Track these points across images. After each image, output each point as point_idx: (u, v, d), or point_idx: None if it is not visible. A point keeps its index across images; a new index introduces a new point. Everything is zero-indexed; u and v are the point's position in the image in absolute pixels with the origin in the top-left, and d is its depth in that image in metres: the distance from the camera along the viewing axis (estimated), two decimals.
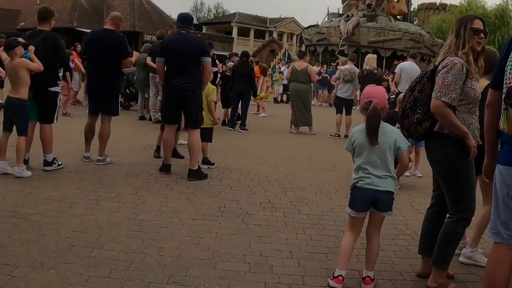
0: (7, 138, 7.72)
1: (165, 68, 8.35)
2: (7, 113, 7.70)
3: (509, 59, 3.36)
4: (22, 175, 7.41)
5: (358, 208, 4.41)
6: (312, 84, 16.34)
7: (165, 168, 8.48)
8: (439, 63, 4.40)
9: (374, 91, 4.54)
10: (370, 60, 14.80)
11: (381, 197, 4.37)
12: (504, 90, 3.34)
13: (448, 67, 4.23)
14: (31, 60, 7.57)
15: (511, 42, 3.49)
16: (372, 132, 4.37)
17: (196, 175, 8.17)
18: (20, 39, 7.79)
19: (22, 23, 40.70)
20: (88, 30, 34.06)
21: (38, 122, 8.10)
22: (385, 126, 4.43)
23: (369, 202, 4.38)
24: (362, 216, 4.46)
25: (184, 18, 8.63)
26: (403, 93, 5.18)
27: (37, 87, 7.78)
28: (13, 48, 7.54)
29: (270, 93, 23.92)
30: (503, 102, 3.37)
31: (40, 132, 8.08)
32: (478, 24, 4.38)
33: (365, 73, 14.38)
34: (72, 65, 17.52)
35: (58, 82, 8.39)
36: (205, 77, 8.32)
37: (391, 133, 4.44)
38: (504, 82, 3.36)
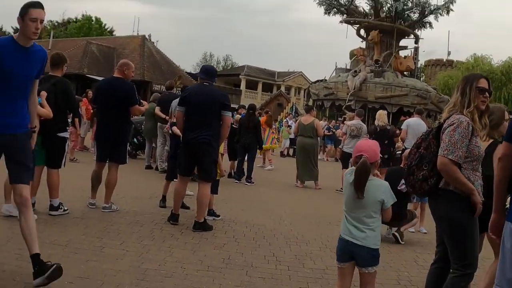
0: None
1: (184, 119, 8.35)
2: None
3: None
4: None
5: (340, 258, 4.46)
6: (318, 138, 16.44)
7: (173, 218, 8.44)
8: (444, 121, 4.46)
9: (366, 145, 4.60)
10: (382, 116, 14.84)
11: (359, 252, 4.39)
12: None
13: (454, 125, 4.28)
14: (41, 106, 7.65)
15: None
16: (358, 186, 4.40)
17: (201, 227, 8.14)
18: None
19: None
20: (98, 77, 34.52)
21: (45, 167, 8.15)
22: (374, 180, 4.48)
23: (348, 254, 4.41)
24: (345, 266, 4.48)
25: (208, 71, 8.75)
26: (409, 149, 5.24)
27: (46, 132, 7.78)
28: None
29: (275, 144, 23.93)
30: None
31: (47, 177, 8.13)
32: (483, 83, 4.46)
33: (378, 129, 14.42)
34: (81, 112, 17.71)
35: (67, 128, 8.46)
36: (223, 131, 8.36)
37: (379, 187, 4.48)
38: None
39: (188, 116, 8.27)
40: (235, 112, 20.24)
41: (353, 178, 4.46)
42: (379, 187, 4.46)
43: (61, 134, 8.17)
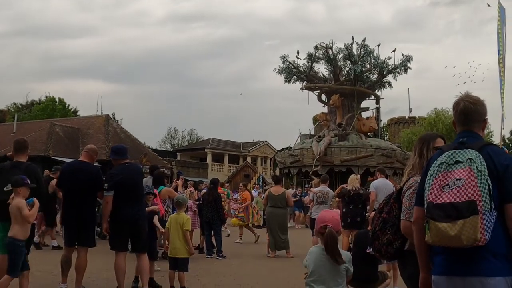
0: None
1: (117, 199, 8.54)
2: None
3: (427, 178, 3.64)
4: None
5: None
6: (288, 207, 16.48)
7: None
8: (403, 184, 4.58)
9: (329, 215, 4.78)
10: (353, 181, 14.92)
11: None
12: (425, 206, 3.60)
13: (413, 187, 4.39)
14: (31, 206, 7.54)
15: (428, 163, 3.81)
16: (334, 253, 4.62)
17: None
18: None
19: None
20: (64, 159, 34.34)
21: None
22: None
23: None
24: None
25: (120, 150, 9.10)
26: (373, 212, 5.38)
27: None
28: (19, 186, 7.47)
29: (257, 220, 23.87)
30: (425, 216, 3.61)
31: None
32: (440, 143, 4.62)
33: (351, 193, 14.49)
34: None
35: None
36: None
37: (345, 255, 4.71)
38: (425, 198, 3.62)
39: (122, 196, 8.49)
40: (203, 185, 20.30)
41: (323, 251, 4.62)
42: (345, 255, 4.67)
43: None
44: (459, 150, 3.61)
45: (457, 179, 3.48)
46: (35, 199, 7.55)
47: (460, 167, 3.52)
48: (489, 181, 3.43)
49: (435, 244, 3.55)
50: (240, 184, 23.60)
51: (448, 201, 3.44)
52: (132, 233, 8.65)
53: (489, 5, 25.74)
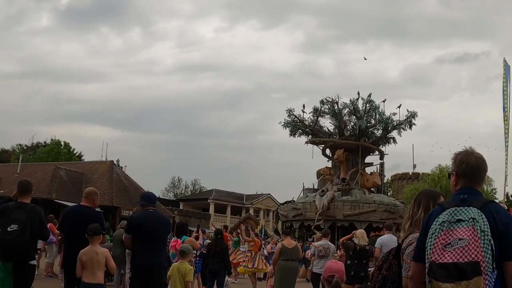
0: None
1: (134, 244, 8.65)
2: None
3: (428, 236, 3.62)
4: None
5: None
6: None
7: None
8: (402, 240, 4.59)
9: (337, 266, 4.94)
10: (363, 236, 14.74)
11: None
12: (427, 265, 3.58)
13: (413, 244, 4.35)
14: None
15: (429, 219, 3.79)
16: None
17: None
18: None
19: (1, 191, 40.92)
20: (67, 203, 34.35)
21: None
22: None
23: None
24: None
25: (149, 197, 9.23)
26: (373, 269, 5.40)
27: (18, 259, 7.78)
28: (98, 234, 8.24)
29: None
30: (427, 275, 3.59)
31: None
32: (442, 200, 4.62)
33: (358, 248, 14.35)
34: (51, 237, 17.65)
35: (36, 255, 8.47)
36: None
37: None
38: (426, 257, 3.60)
39: (138, 242, 8.56)
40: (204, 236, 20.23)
41: None
42: None
43: (32, 262, 8.13)
44: (461, 208, 3.59)
45: (459, 239, 3.46)
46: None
47: (462, 225, 3.51)
48: (492, 241, 3.42)
49: None
50: (252, 233, 23.62)
51: (451, 261, 3.42)
52: (147, 280, 8.53)
53: (505, 61, 25.76)
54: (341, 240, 15.59)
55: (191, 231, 20.59)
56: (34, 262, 8.21)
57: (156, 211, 8.98)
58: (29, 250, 7.93)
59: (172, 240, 12.98)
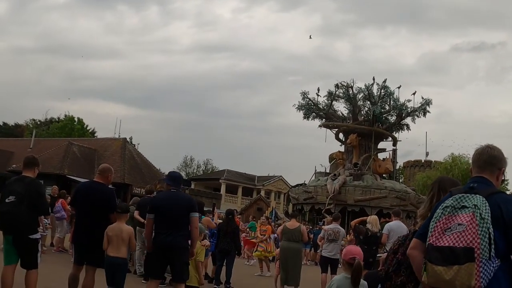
0: None
1: (154, 224, 8.64)
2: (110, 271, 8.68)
3: (432, 219, 3.71)
4: None
5: None
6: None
7: None
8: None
9: (356, 250, 5.72)
10: (376, 221, 14.77)
11: None
12: (426, 247, 3.69)
13: None
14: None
15: (437, 205, 3.83)
16: (357, 281, 5.53)
17: None
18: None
19: (14, 165, 41.23)
20: (79, 179, 34.49)
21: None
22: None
23: None
24: None
25: (175, 178, 9.28)
26: (385, 254, 5.66)
27: (15, 231, 7.88)
28: (125, 212, 9.32)
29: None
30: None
31: (25, 277, 8.05)
32: None
33: (369, 234, 14.36)
34: (62, 213, 17.83)
35: (39, 229, 8.47)
36: (192, 233, 8.69)
37: (363, 285, 5.65)
38: (427, 238, 3.69)
39: (159, 221, 8.58)
40: (211, 216, 20.30)
41: (346, 279, 5.61)
42: (363, 284, 5.63)
43: (33, 236, 8.08)
44: (467, 195, 3.64)
45: (459, 224, 3.51)
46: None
47: (464, 212, 3.55)
48: (491, 229, 3.44)
49: (431, 285, 3.59)
50: (262, 217, 23.73)
51: (447, 244, 3.49)
52: (167, 261, 8.62)
53: None
54: (352, 222, 15.60)
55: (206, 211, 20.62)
56: (35, 235, 8.15)
57: (179, 191, 9.01)
58: (27, 223, 7.96)
59: None
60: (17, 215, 7.81)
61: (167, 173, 10.25)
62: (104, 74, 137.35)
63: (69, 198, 17.31)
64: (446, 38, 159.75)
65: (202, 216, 12.14)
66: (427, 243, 3.65)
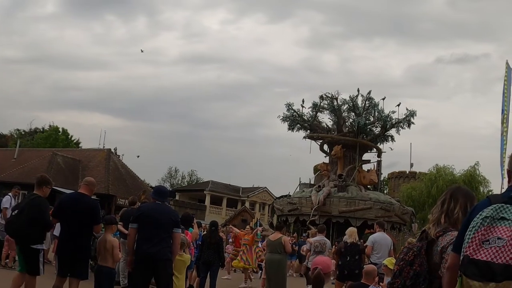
0: None
1: (138, 235, 8.70)
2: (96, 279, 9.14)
3: (469, 228, 3.47)
4: None
5: None
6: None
7: None
8: (437, 237, 4.44)
9: (321, 260, 5.72)
10: (353, 233, 14.83)
11: None
12: (461, 258, 3.44)
13: None
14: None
15: (473, 211, 3.62)
16: None
17: None
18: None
19: None
20: (63, 189, 34.24)
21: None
22: None
23: None
24: None
25: (160, 191, 9.52)
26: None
27: (18, 241, 8.62)
28: (112, 224, 9.73)
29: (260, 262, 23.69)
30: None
31: (24, 284, 8.58)
32: None
33: (348, 244, 14.42)
34: None
35: (44, 241, 8.86)
36: (174, 248, 8.80)
37: None
38: (462, 249, 3.45)
39: (143, 232, 8.62)
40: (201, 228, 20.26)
41: None
42: None
43: (35, 246, 8.55)
44: (508, 205, 3.41)
45: (498, 238, 3.29)
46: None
47: (504, 224, 3.34)
48: None
49: None
50: (247, 226, 23.71)
51: (484, 258, 3.27)
52: (152, 273, 8.65)
53: (508, 63, 25.68)
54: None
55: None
56: (38, 246, 8.60)
57: (164, 204, 9.11)
58: (27, 233, 8.38)
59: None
60: (16, 224, 8.51)
61: (153, 186, 10.39)
62: (91, 84, 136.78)
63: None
64: (433, 50, 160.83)
65: (191, 229, 12.16)
66: (462, 254, 3.43)
